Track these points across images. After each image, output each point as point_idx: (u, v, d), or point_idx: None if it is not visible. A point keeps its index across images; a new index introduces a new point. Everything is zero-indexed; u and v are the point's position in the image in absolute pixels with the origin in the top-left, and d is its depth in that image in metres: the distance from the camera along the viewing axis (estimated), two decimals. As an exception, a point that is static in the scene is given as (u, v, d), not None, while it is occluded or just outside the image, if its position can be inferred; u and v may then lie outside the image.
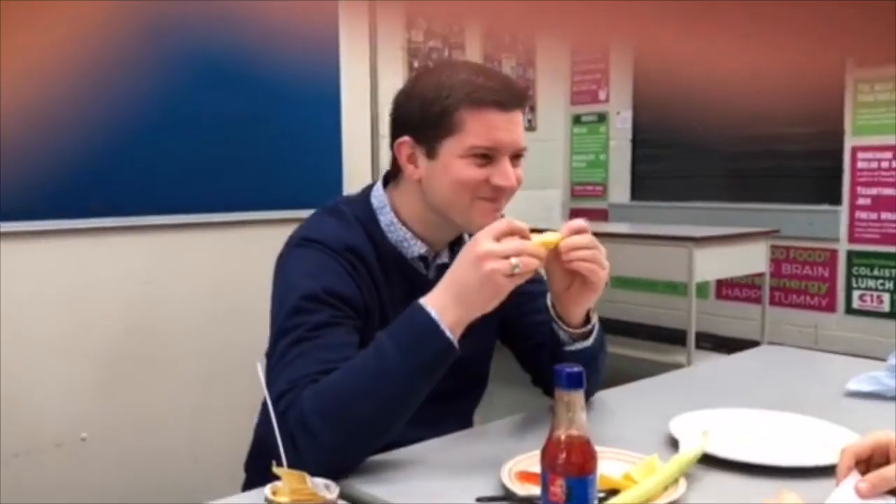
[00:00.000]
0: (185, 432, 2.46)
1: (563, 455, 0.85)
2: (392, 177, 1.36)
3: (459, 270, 1.12)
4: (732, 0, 0.20)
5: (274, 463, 0.79)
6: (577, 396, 0.87)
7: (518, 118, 1.26)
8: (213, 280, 2.52)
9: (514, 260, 1.08)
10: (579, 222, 1.20)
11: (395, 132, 1.31)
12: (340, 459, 1.08)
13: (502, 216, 1.27)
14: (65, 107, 2.47)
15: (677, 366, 3.54)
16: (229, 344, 2.52)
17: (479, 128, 1.22)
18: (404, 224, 1.32)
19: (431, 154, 1.25)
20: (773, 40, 0.21)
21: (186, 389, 2.46)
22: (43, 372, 2.22)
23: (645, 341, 4.38)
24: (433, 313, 1.10)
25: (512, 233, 1.11)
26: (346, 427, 1.08)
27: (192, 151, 2.44)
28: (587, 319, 1.31)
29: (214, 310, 2.52)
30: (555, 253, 1.18)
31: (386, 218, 1.32)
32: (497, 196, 1.26)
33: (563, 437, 0.86)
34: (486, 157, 1.24)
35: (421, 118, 1.25)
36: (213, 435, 2.47)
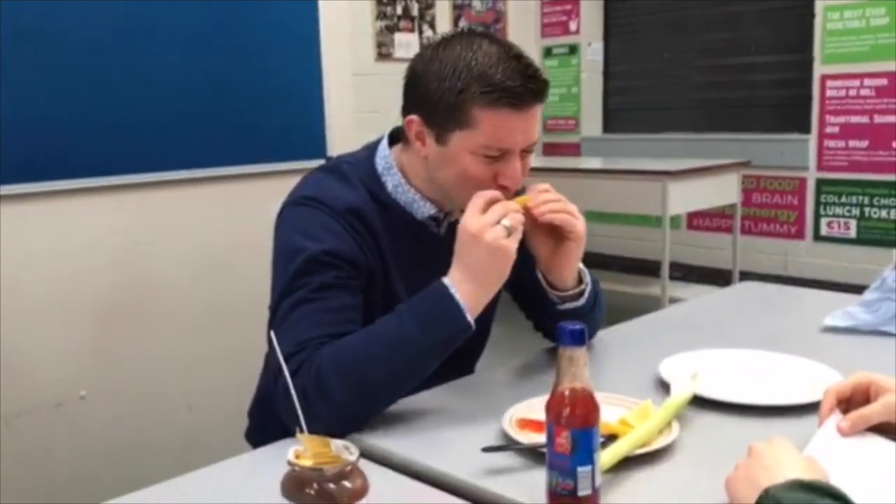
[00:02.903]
0: (180, 384, 2.50)
1: (568, 409, 0.89)
2: (401, 139, 1.34)
3: (465, 254, 1.17)
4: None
5: (297, 430, 0.82)
6: (580, 352, 0.90)
7: (535, 113, 1.23)
8: (201, 234, 2.53)
9: (505, 221, 1.16)
10: (543, 185, 1.27)
11: (407, 104, 1.28)
12: (349, 418, 1.12)
13: None
14: (50, 72, 2.42)
15: (652, 297, 3.64)
16: (219, 296, 2.55)
17: (492, 129, 1.20)
18: (413, 186, 1.31)
19: (441, 140, 1.24)
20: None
21: (179, 343, 2.49)
22: (40, 333, 2.23)
23: (619, 273, 4.46)
24: (454, 292, 1.15)
25: (490, 202, 1.18)
26: (359, 389, 1.12)
27: (175, 108, 2.41)
28: (580, 280, 1.36)
29: (203, 264, 2.54)
30: (531, 218, 1.24)
31: (394, 179, 1.31)
32: (501, 191, 1.26)
33: (567, 392, 0.90)
34: (497, 154, 1.23)
35: (433, 102, 1.22)
36: (207, 384, 2.51)
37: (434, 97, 1.22)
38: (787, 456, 0.86)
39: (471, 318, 1.15)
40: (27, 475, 2.19)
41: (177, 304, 2.48)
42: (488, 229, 1.15)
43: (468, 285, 1.16)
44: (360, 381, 1.11)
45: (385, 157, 1.33)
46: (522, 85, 1.18)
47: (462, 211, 1.26)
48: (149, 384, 2.42)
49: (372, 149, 1.37)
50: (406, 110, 1.28)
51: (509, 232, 1.15)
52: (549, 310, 1.36)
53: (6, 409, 2.16)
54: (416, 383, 1.18)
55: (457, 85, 1.19)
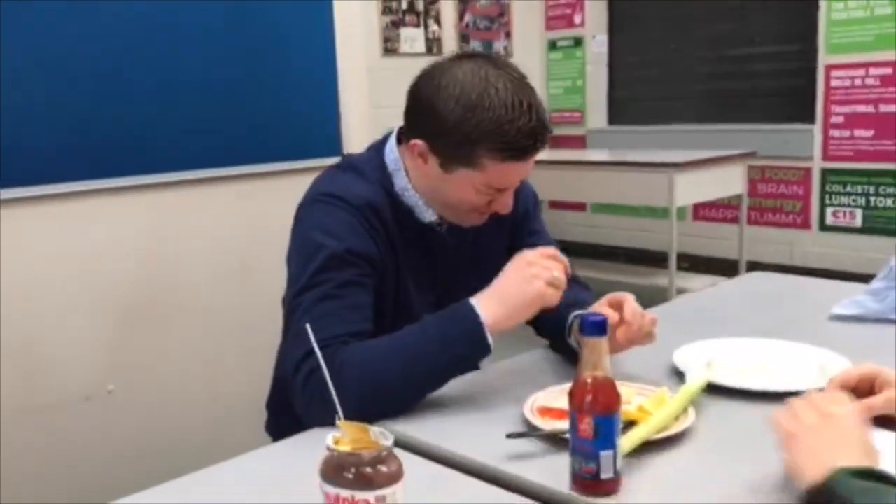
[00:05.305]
0: (204, 377, 2.55)
1: (590, 396, 0.93)
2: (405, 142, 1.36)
3: (506, 274, 1.23)
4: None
5: (336, 417, 0.86)
6: (602, 342, 0.94)
7: (536, 155, 1.29)
8: (220, 232, 2.57)
9: (555, 272, 1.21)
10: (631, 307, 1.26)
11: (411, 126, 1.31)
12: (359, 417, 1.13)
13: None
14: (69, 73, 2.44)
15: (660, 288, 3.67)
16: (240, 292, 2.59)
17: (498, 174, 1.27)
18: (416, 191, 1.35)
19: (445, 168, 1.28)
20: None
21: (202, 337, 2.54)
22: (68, 330, 2.28)
23: (626, 264, 4.49)
24: (480, 315, 1.19)
25: (552, 258, 1.24)
26: (374, 393, 1.15)
27: (192, 108, 2.44)
28: None
29: (221, 261, 2.58)
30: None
31: (401, 182, 1.35)
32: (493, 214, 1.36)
33: (589, 380, 0.94)
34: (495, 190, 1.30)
35: (442, 136, 1.26)
36: (230, 378, 2.56)
37: (445, 134, 1.25)
38: (852, 434, 0.88)
39: (490, 336, 1.20)
40: (57, 466, 2.24)
41: (197, 300, 2.53)
42: (538, 266, 1.21)
43: (493, 303, 1.20)
44: (377, 386, 1.16)
45: (394, 159, 1.37)
46: (532, 144, 1.25)
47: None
48: (173, 377, 2.47)
49: (379, 147, 1.40)
50: (410, 131, 1.31)
51: (553, 280, 1.20)
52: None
53: (37, 402, 2.21)
54: (430, 393, 1.23)
55: (471, 133, 1.22)
